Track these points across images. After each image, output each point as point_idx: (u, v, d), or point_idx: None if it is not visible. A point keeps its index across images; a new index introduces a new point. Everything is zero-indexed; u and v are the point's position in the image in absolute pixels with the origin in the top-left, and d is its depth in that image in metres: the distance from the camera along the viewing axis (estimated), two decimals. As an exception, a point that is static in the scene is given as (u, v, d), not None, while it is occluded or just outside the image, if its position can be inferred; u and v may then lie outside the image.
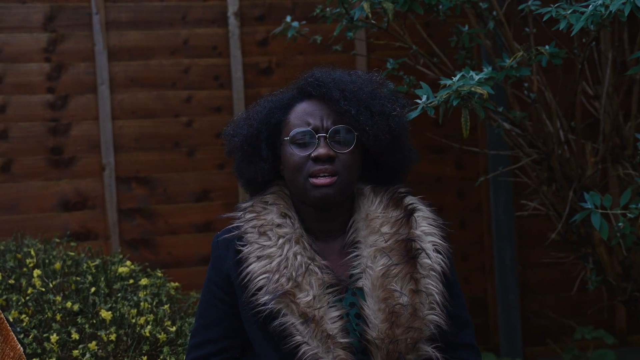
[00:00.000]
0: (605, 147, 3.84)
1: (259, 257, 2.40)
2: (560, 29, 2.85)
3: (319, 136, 2.39)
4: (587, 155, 3.88)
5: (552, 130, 3.86)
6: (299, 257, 2.38)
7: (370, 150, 2.45)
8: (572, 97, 3.85)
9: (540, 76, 3.85)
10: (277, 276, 2.35)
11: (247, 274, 2.39)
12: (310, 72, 2.53)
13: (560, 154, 3.85)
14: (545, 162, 3.89)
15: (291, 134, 2.41)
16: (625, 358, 5.63)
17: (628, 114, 4.02)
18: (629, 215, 3.16)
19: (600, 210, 3.03)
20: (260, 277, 2.37)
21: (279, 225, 2.44)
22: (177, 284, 3.83)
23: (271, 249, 2.40)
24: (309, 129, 2.40)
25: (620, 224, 3.23)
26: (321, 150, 2.37)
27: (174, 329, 3.33)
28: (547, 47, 3.15)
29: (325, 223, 2.48)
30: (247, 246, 2.42)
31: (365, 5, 3.14)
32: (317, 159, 2.37)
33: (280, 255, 2.38)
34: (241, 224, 2.47)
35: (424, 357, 2.40)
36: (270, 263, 2.38)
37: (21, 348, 2.24)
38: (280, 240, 2.41)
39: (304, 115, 2.43)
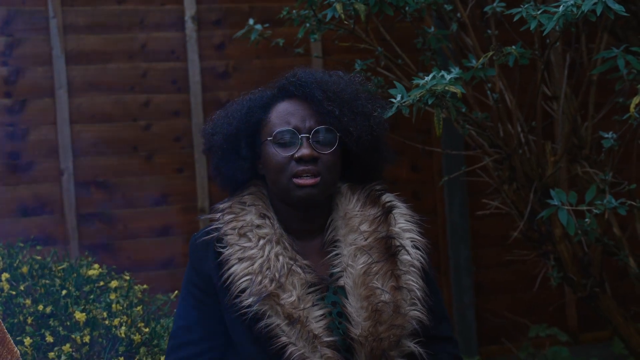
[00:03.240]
0: (564, 147, 3.92)
1: (240, 259, 2.40)
2: (530, 29, 2.91)
3: (301, 136, 2.40)
4: (547, 155, 3.95)
5: (512, 130, 3.93)
6: (280, 257, 2.39)
7: (350, 150, 2.48)
8: (531, 98, 3.92)
9: (501, 77, 3.91)
10: (260, 278, 2.36)
11: (229, 276, 2.39)
12: (292, 72, 2.54)
13: (521, 154, 3.91)
14: (507, 162, 3.95)
15: (274, 133, 2.41)
16: (579, 355, 5.73)
17: (585, 115, 4.10)
18: (594, 211, 3.24)
19: (567, 207, 3.09)
20: (243, 279, 2.37)
21: (258, 226, 2.44)
22: (145, 286, 3.82)
23: (252, 250, 2.40)
24: (291, 128, 2.41)
25: (587, 219, 3.30)
26: (305, 151, 2.38)
27: (147, 330, 3.33)
28: (514, 47, 3.21)
29: (305, 222, 2.49)
30: (227, 248, 2.42)
31: (338, 7, 3.18)
32: (300, 160, 2.38)
33: (262, 257, 2.39)
34: (220, 225, 2.47)
35: (406, 352, 2.43)
36: (252, 265, 2.38)
37: (18, 352, 2.23)
38: (261, 242, 2.42)
39: (285, 114, 2.44)
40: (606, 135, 3.42)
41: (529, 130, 4.07)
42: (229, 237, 2.44)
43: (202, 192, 5.29)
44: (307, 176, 2.38)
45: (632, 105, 2.82)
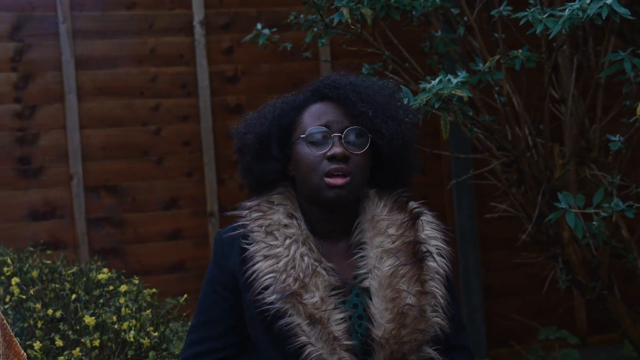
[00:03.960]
0: (572, 150, 3.92)
1: (265, 257, 2.40)
2: (536, 33, 2.92)
3: (334, 135, 2.40)
4: (555, 158, 3.96)
5: (520, 133, 3.93)
6: (305, 258, 2.39)
7: (380, 154, 2.48)
8: (539, 101, 3.92)
9: (509, 81, 3.92)
10: (284, 276, 2.36)
11: (253, 272, 2.39)
12: (326, 75, 2.55)
13: (529, 157, 3.91)
14: (515, 165, 3.95)
15: (307, 132, 2.42)
16: (588, 358, 5.73)
17: (593, 117, 4.10)
18: (602, 214, 3.24)
19: (574, 210, 3.10)
20: (267, 277, 2.38)
21: (285, 226, 2.45)
22: (154, 290, 3.83)
23: (278, 248, 2.41)
24: (324, 127, 2.42)
25: (594, 222, 3.30)
26: (337, 150, 2.38)
27: (156, 334, 3.34)
28: (520, 51, 3.21)
29: (331, 224, 2.50)
30: (253, 245, 2.43)
31: (345, 12, 3.19)
32: (332, 158, 2.38)
33: (287, 256, 2.39)
34: (247, 222, 2.48)
35: (425, 358, 2.44)
36: (277, 263, 2.39)
37: (25, 354, 2.24)
38: (287, 241, 2.42)
39: (318, 114, 2.45)
40: (613, 138, 3.43)
41: (537, 133, 4.07)
42: (255, 234, 2.45)
43: (211, 196, 5.31)
44: (338, 175, 2.39)
45: (639, 109, 2.82)
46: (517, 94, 3.98)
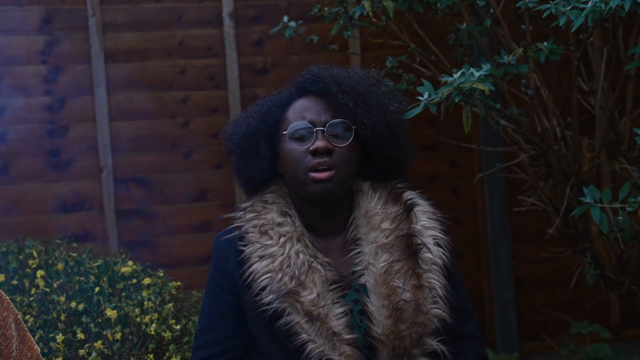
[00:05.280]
0: (601, 143, 3.87)
1: (261, 257, 2.40)
2: (559, 25, 2.88)
3: (316, 130, 2.40)
4: (583, 151, 3.91)
5: (548, 126, 3.89)
6: (301, 255, 2.39)
7: (367, 145, 2.47)
8: (567, 93, 3.88)
9: (537, 73, 3.87)
10: (280, 275, 2.36)
11: (250, 273, 2.39)
12: (308, 69, 2.54)
13: (557, 150, 3.87)
14: (543, 158, 3.91)
15: (289, 128, 2.42)
16: (621, 352, 5.67)
17: (623, 110, 4.05)
18: (627, 209, 3.19)
19: (599, 205, 3.06)
20: (264, 277, 2.38)
21: (279, 224, 2.44)
22: (178, 283, 3.84)
23: (273, 248, 2.41)
24: (306, 123, 2.41)
25: (619, 217, 3.25)
26: (319, 143, 2.37)
27: (178, 327, 3.35)
28: (545, 43, 3.17)
29: (326, 220, 2.49)
30: (248, 246, 2.43)
31: (366, 4, 3.17)
32: (315, 152, 2.37)
33: (283, 254, 2.39)
34: (242, 223, 2.48)
35: (429, 350, 2.42)
36: (273, 262, 2.38)
37: (38, 349, 2.25)
38: (282, 239, 2.42)
39: (302, 110, 2.44)
40: (638, 132, 3.37)
41: (566, 126, 4.03)
42: (250, 235, 2.45)
43: (240, 189, 5.30)
44: (322, 168, 2.38)
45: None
46: (545, 86, 3.94)
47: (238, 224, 2.49)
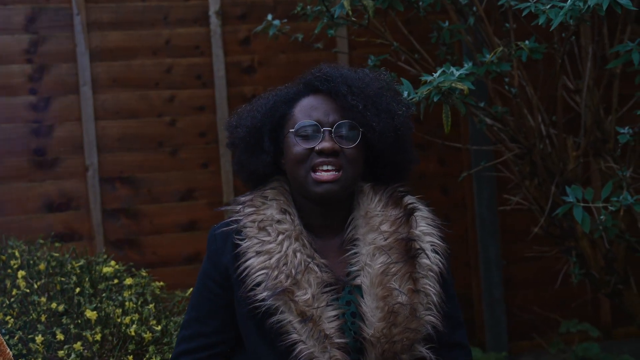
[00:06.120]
0: (587, 141, 3.86)
1: (258, 252, 2.39)
2: (539, 24, 2.87)
3: (324, 130, 2.38)
4: (568, 150, 3.89)
5: (533, 124, 3.87)
6: (298, 254, 2.38)
7: (373, 148, 2.45)
8: (553, 91, 3.86)
9: (521, 71, 3.86)
10: (276, 273, 2.35)
11: (245, 268, 2.38)
12: (318, 67, 2.52)
13: (542, 148, 3.86)
14: (527, 157, 3.90)
15: (296, 126, 2.40)
16: (611, 351, 5.65)
17: (609, 108, 4.03)
18: (610, 208, 3.18)
19: (582, 204, 3.05)
20: (259, 273, 2.36)
21: (278, 221, 2.43)
22: (161, 283, 3.82)
23: (270, 244, 2.39)
24: (314, 121, 2.39)
25: (602, 217, 3.24)
26: (326, 144, 2.36)
27: (159, 328, 3.33)
28: (527, 42, 3.16)
29: (326, 219, 2.48)
30: (245, 240, 2.41)
31: (346, 3, 3.15)
32: (321, 153, 2.36)
33: (280, 252, 2.38)
34: (240, 217, 2.46)
35: (418, 356, 2.41)
36: (270, 259, 2.37)
37: (10, 353, 2.23)
38: (280, 237, 2.40)
39: (310, 108, 2.43)
40: (622, 131, 3.35)
41: (551, 124, 4.01)
42: (248, 229, 2.43)
43: (227, 187, 5.29)
44: (327, 168, 2.36)
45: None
46: (530, 84, 3.92)
47: (236, 218, 2.48)
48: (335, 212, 2.48)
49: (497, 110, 3.86)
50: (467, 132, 5.59)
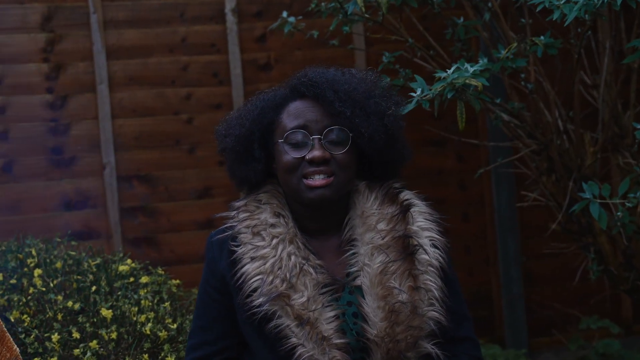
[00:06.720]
0: (604, 137, 3.83)
1: (252, 258, 2.39)
2: (554, 19, 2.84)
3: (313, 138, 2.37)
4: (586, 145, 3.87)
5: (550, 120, 3.85)
6: (292, 257, 2.37)
7: (364, 150, 2.44)
8: (570, 86, 3.83)
9: (538, 66, 3.83)
10: (271, 277, 2.34)
11: (242, 275, 2.38)
12: (303, 72, 2.50)
13: (559, 144, 3.83)
14: (544, 153, 3.87)
15: (285, 135, 2.39)
16: (631, 347, 5.61)
17: (627, 103, 4.00)
18: (627, 204, 3.15)
19: (598, 200, 3.02)
20: (255, 279, 2.36)
21: (272, 225, 2.42)
22: (178, 281, 3.83)
23: (265, 249, 2.39)
24: (303, 130, 2.38)
25: (619, 213, 3.21)
26: (316, 153, 2.35)
27: (174, 326, 3.34)
28: (542, 37, 3.13)
29: (320, 221, 2.47)
30: (240, 247, 2.41)
31: (359, 0, 3.13)
32: (311, 162, 2.35)
33: (274, 256, 2.37)
34: (234, 223, 2.46)
35: (423, 353, 2.40)
36: (264, 264, 2.37)
37: (17, 349, 2.24)
38: (274, 241, 2.40)
39: (297, 114, 2.41)
40: (638, 126, 3.32)
41: (568, 120, 3.98)
42: (242, 235, 2.43)
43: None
44: (319, 176, 2.35)
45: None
46: (547, 79, 3.90)
47: (231, 224, 2.47)
48: (329, 214, 2.47)
49: (513, 106, 3.83)
50: (485, 129, 5.57)
